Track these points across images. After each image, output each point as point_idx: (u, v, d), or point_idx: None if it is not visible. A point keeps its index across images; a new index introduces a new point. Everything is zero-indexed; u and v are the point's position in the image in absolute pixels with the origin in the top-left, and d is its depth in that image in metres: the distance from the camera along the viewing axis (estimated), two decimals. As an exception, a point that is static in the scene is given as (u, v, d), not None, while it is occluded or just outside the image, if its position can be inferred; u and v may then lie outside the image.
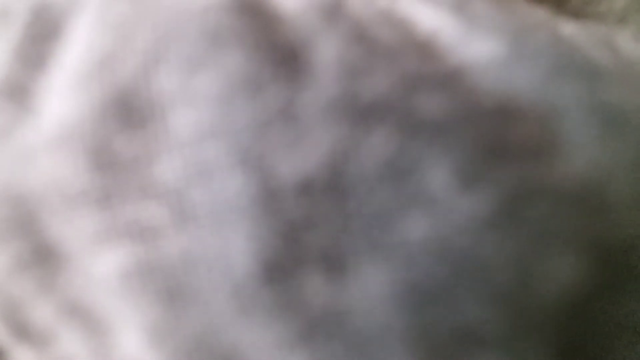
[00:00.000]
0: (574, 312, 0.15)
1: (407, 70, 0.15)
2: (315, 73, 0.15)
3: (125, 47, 0.15)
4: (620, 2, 0.19)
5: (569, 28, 0.17)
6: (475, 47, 0.15)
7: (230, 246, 0.15)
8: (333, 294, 0.15)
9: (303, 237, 0.15)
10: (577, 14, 0.19)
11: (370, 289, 0.15)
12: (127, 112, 0.15)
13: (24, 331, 0.16)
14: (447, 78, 0.15)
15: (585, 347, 0.15)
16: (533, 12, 0.17)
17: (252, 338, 0.15)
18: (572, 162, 0.15)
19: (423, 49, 0.15)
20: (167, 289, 0.15)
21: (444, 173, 0.15)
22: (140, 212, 0.15)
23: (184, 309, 0.15)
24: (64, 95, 0.16)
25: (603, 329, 0.15)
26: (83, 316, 0.16)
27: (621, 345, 0.15)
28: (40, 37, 0.16)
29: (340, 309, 0.15)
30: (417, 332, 0.14)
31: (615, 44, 0.17)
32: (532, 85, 0.15)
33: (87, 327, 0.16)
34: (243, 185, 0.15)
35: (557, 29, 0.16)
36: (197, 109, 0.15)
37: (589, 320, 0.15)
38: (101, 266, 0.16)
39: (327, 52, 0.15)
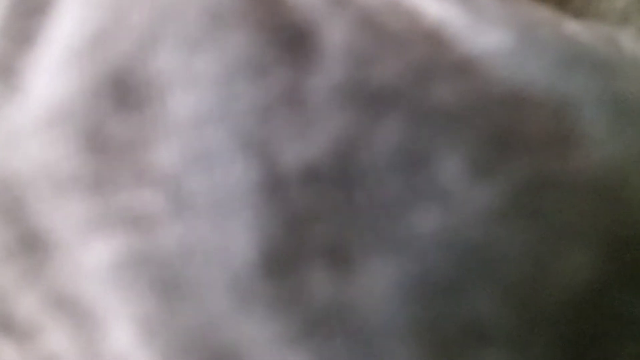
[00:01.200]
0: (585, 307, 0.14)
1: (416, 58, 0.14)
2: (323, 57, 0.14)
3: (119, 23, 0.14)
4: (622, 2, 0.19)
5: (572, 26, 0.16)
6: (484, 38, 0.15)
7: (229, 237, 0.14)
8: (337, 288, 0.14)
9: (307, 228, 0.14)
10: (579, 14, 0.18)
11: (377, 283, 0.14)
12: (121, 92, 0.14)
13: (8, 324, 0.15)
14: (458, 66, 0.14)
15: (596, 343, 0.14)
16: (537, 9, 0.16)
17: (251, 333, 0.14)
18: (587, 153, 0.14)
19: (431, 38, 0.14)
20: (162, 280, 0.14)
21: (456, 163, 0.14)
22: (134, 200, 0.14)
23: (179, 302, 0.14)
24: (53, 74, 0.15)
25: (615, 325, 0.14)
26: (70, 309, 0.15)
27: (633, 342, 0.14)
28: (28, 11, 0.15)
29: (344, 304, 0.14)
30: (424, 327, 0.14)
31: (618, 43, 0.16)
32: (544, 74, 0.14)
33: (75, 320, 0.15)
34: (245, 172, 0.14)
35: (561, 26, 0.16)
36: (197, 91, 0.14)
37: (601, 316, 0.14)
38: (92, 256, 0.14)
39: (334, 36, 0.14)
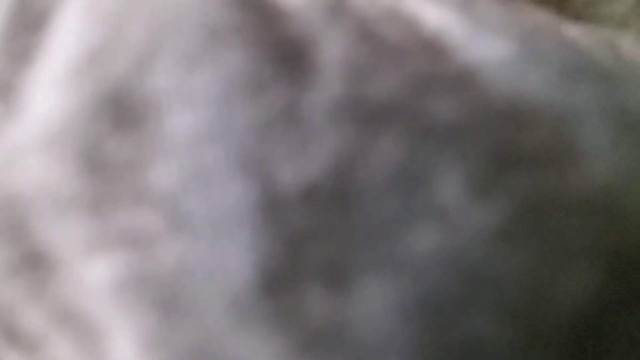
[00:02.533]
0: (587, 326, 0.13)
1: (415, 70, 0.13)
2: (320, 72, 0.13)
3: (117, 40, 0.14)
4: (621, 7, 0.18)
5: (572, 31, 0.15)
6: (484, 47, 0.14)
7: (228, 256, 0.13)
8: (335, 307, 0.13)
9: (305, 247, 0.13)
10: (578, 17, 0.18)
11: (375, 303, 0.13)
12: (119, 111, 0.14)
13: (14, 336, 0.15)
14: (457, 78, 0.14)
15: None
16: (537, 14, 0.15)
17: (250, 351, 0.13)
18: (589, 169, 0.13)
19: (430, 48, 0.14)
20: (162, 299, 0.14)
21: (455, 181, 0.13)
22: (133, 219, 0.14)
23: (180, 320, 0.14)
24: (51, 92, 0.14)
25: (617, 344, 0.14)
26: (74, 324, 0.14)
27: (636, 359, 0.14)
28: (26, 27, 0.14)
29: (342, 323, 0.13)
30: (424, 348, 0.13)
31: (618, 48, 0.16)
32: (545, 86, 0.14)
33: (79, 335, 0.14)
34: (243, 192, 0.13)
35: (561, 31, 0.15)
36: (195, 110, 0.13)
37: (603, 335, 0.13)
38: (93, 274, 0.14)
39: (332, 50, 0.13)
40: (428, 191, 0.13)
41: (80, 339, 0.15)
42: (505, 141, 0.13)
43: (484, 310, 0.13)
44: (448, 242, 0.13)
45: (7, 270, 0.15)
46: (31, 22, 0.14)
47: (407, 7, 0.14)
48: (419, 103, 0.13)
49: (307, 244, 0.13)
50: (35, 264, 0.14)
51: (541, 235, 0.13)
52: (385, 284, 0.13)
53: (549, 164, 0.13)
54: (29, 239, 0.14)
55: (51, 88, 0.14)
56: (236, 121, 0.13)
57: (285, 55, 0.14)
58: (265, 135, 0.13)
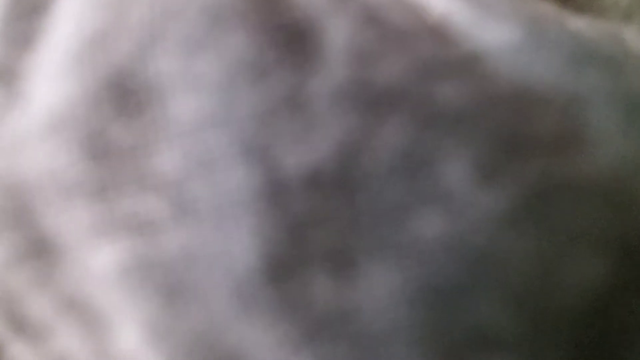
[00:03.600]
0: (593, 312, 0.13)
1: (421, 55, 0.13)
2: (325, 57, 0.13)
3: (119, 25, 0.13)
4: (626, -1, 0.18)
5: (576, 23, 0.15)
6: (490, 33, 0.13)
7: (232, 242, 0.13)
8: (339, 293, 0.13)
9: (309, 233, 0.13)
10: (583, 10, 0.17)
11: (379, 289, 0.13)
12: (122, 97, 0.13)
13: (20, 325, 0.15)
14: (463, 63, 0.13)
15: (604, 348, 0.13)
16: (541, 5, 0.15)
17: (254, 337, 0.13)
18: (597, 154, 0.13)
19: (436, 33, 0.13)
20: (167, 285, 0.13)
21: (461, 166, 0.13)
22: (138, 205, 0.13)
23: (184, 306, 0.13)
24: (53, 78, 0.14)
25: (623, 331, 0.13)
26: (80, 310, 0.14)
27: None
28: (27, 13, 0.14)
29: (346, 309, 0.13)
30: (428, 333, 0.13)
31: (623, 39, 0.15)
32: (552, 72, 0.13)
33: (85, 321, 0.14)
34: (246, 177, 0.13)
35: (566, 22, 0.15)
36: (198, 95, 0.13)
37: (609, 322, 0.13)
38: (99, 260, 0.14)
39: (337, 35, 0.13)
40: (433, 176, 0.13)
41: (86, 326, 0.14)
42: (512, 126, 0.13)
43: (489, 295, 0.13)
44: (453, 227, 0.12)
45: (13, 257, 0.14)
46: (32, 8, 0.14)
47: None
48: (424, 88, 0.13)
49: (311, 230, 0.13)
50: (40, 251, 0.14)
51: (547, 220, 0.13)
52: (390, 270, 0.13)
53: (556, 149, 0.13)
54: (34, 225, 0.14)
55: (53, 74, 0.14)
56: (240, 106, 0.13)
57: (289, 40, 0.13)
58: (269, 120, 0.13)
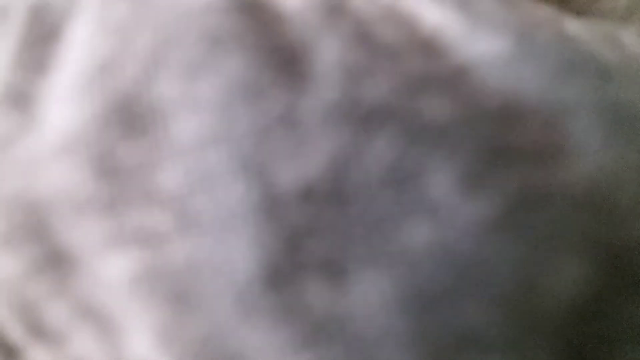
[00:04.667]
0: (578, 316, 0.13)
1: (410, 71, 0.13)
2: (316, 77, 0.14)
3: (125, 51, 0.14)
4: (624, 0, 0.18)
5: (573, 26, 0.15)
6: (481, 44, 0.14)
7: (233, 252, 0.13)
8: (334, 299, 0.13)
9: (304, 243, 0.13)
10: (581, 12, 0.17)
11: (372, 295, 0.13)
12: (129, 119, 0.14)
13: (38, 331, 0.15)
14: (452, 78, 0.13)
15: (590, 351, 0.13)
16: (538, 9, 0.15)
17: (256, 342, 0.14)
18: (580, 165, 0.13)
19: (427, 47, 0.14)
20: (174, 293, 0.14)
21: (447, 178, 0.13)
22: (145, 219, 0.14)
23: (190, 313, 0.14)
24: (66, 102, 0.14)
25: (608, 333, 0.13)
26: (95, 317, 0.15)
27: (626, 349, 0.14)
28: (40, 40, 0.15)
29: (341, 314, 0.13)
30: (419, 336, 0.13)
31: (621, 41, 0.15)
32: (539, 83, 0.14)
33: (99, 328, 0.15)
34: (245, 192, 0.13)
35: (563, 27, 0.15)
36: (198, 115, 0.14)
37: (594, 325, 0.13)
38: (110, 270, 0.14)
39: (328, 54, 0.14)
40: (420, 188, 0.13)
41: (100, 332, 0.15)
42: (496, 138, 0.13)
43: (476, 300, 0.13)
44: (440, 236, 0.13)
45: (32, 268, 0.15)
46: (45, 35, 0.15)
47: (406, 5, 0.14)
48: (412, 104, 0.13)
49: (306, 240, 0.13)
50: (57, 262, 0.15)
51: (530, 228, 0.13)
52: (381, 277, 0.13)
53: (539, 159, 0.13)
54: (51, 239, 0.15)
55: (65, 98, 0.14)
56: (238, 125, 0.13)
57: (283, 61, 0.14)
58: (264, 138, 0.13)
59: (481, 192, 0.13)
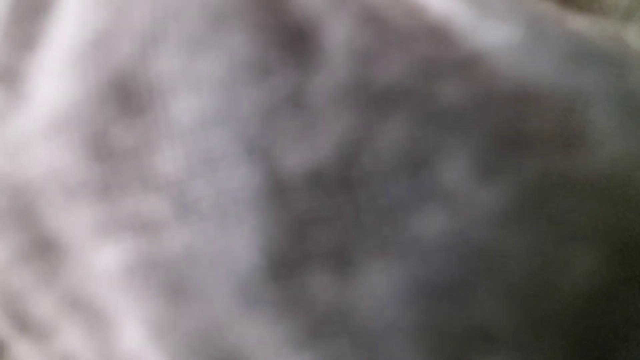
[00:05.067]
0: (592, 309, 0.13)
1: (421, 55, 0.13)
2: (325, 56, 0.13)
3: (121, 25, 0.13)
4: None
5: (576, 22, 0.15)
6: (490, 32, 0.13)
7: (234, 240, 0.13)
8: (341, 291, 0.13)
9: (311, 231, 0.13)
10: (582, 11, 0.17)
11: (380, 286, 0.13)
12: (124, 97, 0.13)
13: (25, 324, 0.15)
14: (464, 63, 0.13)
15: (601, 343, 0.13)
16: (542, 5, 0.15)
17: (257, 335, 0.13)
18: (597, 152, 0.13)
19: (436, 33, 0.13)
20: (170, 283, 0.13)
21: (461, 164, 0.13)
22: (141, 205, 0.13)
23: (187, 304, 0.13)
24: (56, 78, 0.14)
25: (620, 326, 0.13)
26: (84, 309, 0.14)
27: (638, 342, 0.13)
28: (29, 14, 0.14)
29: (347, 306, 0.13)
30: (428, 329, 0.12)
31: (623, 38, 0.15)
32: (552, 71, 0.13)
33: (88, 320, 0.14)
34: (248, 176, 0.13)
35: (566, 23, 0.15)
36: (200, 95, 0.13)
37: (607, 318, 0.13)
38: (102, 259, 0.14)
39: (337, 34, 0.13)
40: (434, 174, 0.13)
41: (90, 325, 0.14)
42: (512, 124, 0.13)
43: (489, 293, 0.12)
44: (453, 225, 0.12)
45: (18, 256, 0.14)
46: (34, 8, 0.14)
47: None
48: (424, 87, 0.13)
49: (312, 228, 0.13)
50: (45, 250, 0.14)
51: (546, 218, 0.13)
52: (391, 268, 0.13)
53: (555, 147, 0.13)
54: (38, 225, 0.14)
55: (56, 74, 0.14)
56: (241, 106, 0.13)
57: (290, 40, 0.13)
58: (270, 119, 0.13)
59: (497, 178, 0.13)
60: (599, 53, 0.14)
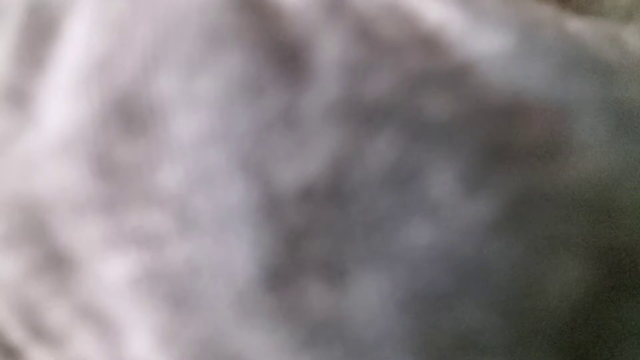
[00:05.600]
0: (579, 318, 0.13)
1: (412, 68, 0.13)
2: (317, 74, 0.13)
3: (124, 48, 0.14)
4: (625, 0, 0.17)
5: (575, 24, 0.15)
6: (483, 42, 0.14)
7: (233, 253, 0.13)
8: (334, 300, 0.13)
9: (304, 244, 0.13)
10: (582, 11, 0.17)
11: (371, 297, 0.13)
12: (127, 117, 0.14)
13: (39, 332, 0.15)
14: (454, 75, 0.13)
15: (590, 354, 0.13)
16: (539, 8, 0.15)
17: (256, 344, 0.13)
18: (582, 164, 0.13)
19: (428, 44, 0.13)
20: (173, 294, 0.14)
21: (448, 177, 0.13)
22: (144, 219, 0.14)
23: (190, 314, 0.14)
24: (64, 100, 0.14)
25: (608, 336, 0.13)
26: (95, 318, 0.15)
27: (626, 352, 0.13)
28: (37, 38, 0.14)
29: (341, 316, 0.13)
30: (419, 339, 0.13)
31: (622, 40, 0.15)
32: (542, 81, 0.13)
33: (100, 329, 0.15)
34: (244, 191, 0.13)
35: (564, 25, 0.15)
36: (198, 114, 0.13)
37: (594, 327, 0.13)
38: (110, 271, 0.14)
39: (328, 51, 0.13)
40: (421, 188, 0.13)
41: (101, 333, 0.15)
42: (499, 137, 0.13)
43: (476, 303, 0.13)
44: (441, 237, 0.13)
45: (32, 270, 0.15)
46: (42, 32, 0.14)
47: (408, 2, 0.14)
48: (413, 101, 0.13)
49: (306, 240, 0.13)
50: (57, 263, 0.15)
51: (532, 229, 0.13)
52: (381, 278, 0.13)
53: (542, 158, 0.13)
54: (50, 240, 0.15)
55: (63, 96, 0.14)
56: (237, 124, 0.13)
57: (284, 58, 0.13)
58: (264, 137, 0.13)
59: (482, 191, 0.13)
60: (591, 60, 0.14)
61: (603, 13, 0.17)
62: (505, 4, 0.14)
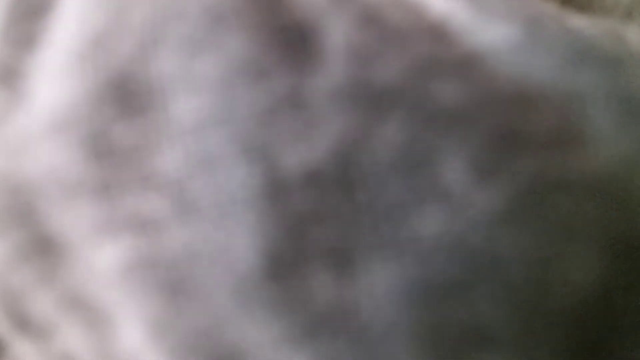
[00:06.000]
0: (590, 309, 0.13)
1: (420, 55, 0.13)
2: (324, 57, 0.13)
3: (120, 25, 0.13)
4: (626, -2, 0.17)
5: (577, 21, 0.15)
6: (490, 32, 0.13)
7: (233, 240, 0.13)
8: (339, 290, 0.13)
9: (309, 231, 0.13)
10: (584, 9, 0.17)
11: (379, 286, 0.13)
12: (124, 97, 0.13)
13: (24, 323, 0.15)
14: (462, 63, 0.13)
15: (600, 345, 0.13)
16: (542, 4, 0.15)
17: (255, 334, 0.13)
18: (595, 153, 0.13)
19: (435, 32, 0.13)
20: (169, 282, 0.13)
21: (459, 164, 0.13)
22: (140, 204, 0.13)
23: (186, 303, 0.13)
24: (56, 78, 0.14)
25: (619, 327, 0.13)
26: (84, 308, 0.14)
27: (637, 343, 0.13)
28: (29, 14, 0.14)
29: (346, 306, 0.13)
30: (426, 330, 0.13)
31: (624, 37, 0.15)
32: (551, 70, 0.13)
33: (88, 319, 0.14)
34: (247, 176, 0.13)
35: (567, 21, 0.15)
36: (199, 95, 0.13)
37: (605, 317, 0.13)
38: (102, 258, 0.14)
39: (335, 35, 0.13)
40: (432, 174, 0.13)
41: (89, 324, 0.14)
42: (510, 125, 0.13)
43: (486, 293, 0.13)
44: (451, 226, 0.12)
45: (17, 255, 0.14)
46: (34, 8, 0.14)
47: None
48: (423, 87, 0.13)
49: (311, 228, 0.13)
50: (44, 249, 0.14)
51: (544, 218, 0.13)
52: (389, 268, 0.13)
53: (554, 147, 0.13)
54: (38, 224, 0.14)
55: (56, 74, 0.14)
56: (240, 106, 0.13)
57: (289, 40, 0.13)
58: (269, 120, 0.13)
59: (494, 179, 0.13)
60: (597, 53, 0.14)
61: (604, 11, 0.17)
62: (509, 0, 0.14)
